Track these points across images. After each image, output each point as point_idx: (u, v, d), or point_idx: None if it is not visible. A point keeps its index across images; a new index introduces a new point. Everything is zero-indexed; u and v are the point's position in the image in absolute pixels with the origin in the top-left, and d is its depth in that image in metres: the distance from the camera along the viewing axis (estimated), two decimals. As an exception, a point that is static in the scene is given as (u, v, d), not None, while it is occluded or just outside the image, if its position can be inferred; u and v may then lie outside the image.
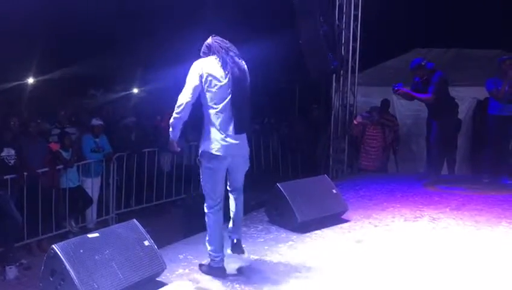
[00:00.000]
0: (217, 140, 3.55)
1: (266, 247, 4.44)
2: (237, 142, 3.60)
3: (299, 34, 7.52)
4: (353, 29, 8.53)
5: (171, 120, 3.60)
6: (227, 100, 3.54)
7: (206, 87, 3.53)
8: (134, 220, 3.80)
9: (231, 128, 3.55)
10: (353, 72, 8.68)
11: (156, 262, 3.59)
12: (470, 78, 8.54)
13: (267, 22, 11.40)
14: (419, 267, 3.93)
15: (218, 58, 3.58)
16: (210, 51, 3.64)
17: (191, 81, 3.55)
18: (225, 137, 3.55)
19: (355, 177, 7.95)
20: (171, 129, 3.62)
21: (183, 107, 3.53)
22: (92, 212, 7.55)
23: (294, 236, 4.68)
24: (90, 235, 3.44)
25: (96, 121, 7.62)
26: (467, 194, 6.46)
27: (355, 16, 8.47)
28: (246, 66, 3.70)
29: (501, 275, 3.76)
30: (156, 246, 3.67)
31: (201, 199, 3.72)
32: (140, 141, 8.27)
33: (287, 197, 4.83)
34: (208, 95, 3.54)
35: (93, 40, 12.20)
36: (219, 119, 3.54)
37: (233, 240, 3.84)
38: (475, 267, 3.93)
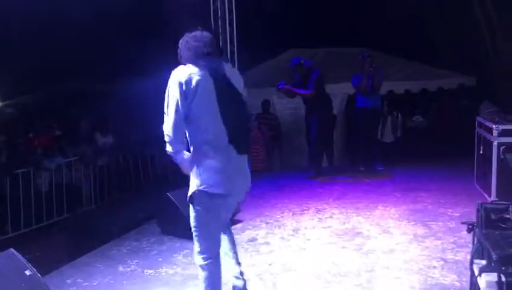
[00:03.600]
0: (218, 172, 2.81)
1: (160, 259, 4.36)
2: (242, 171, 2.90)
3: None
4: (229, 33, 8.69)
5: (168, 149, 2.87)
6: (218, 118, 2.79)
7: (191, 104, 2.76)
8: (12, 249, 3.47)
9: (230, 153, 2.81)
10: (233, 75, 8.84)
11: (41, 291, 3.32)
12: (340, 75, 9.15)
13: (148, 25, 11.19)
14: (309, 255, 4.17)
15: (198, 65, 2.81)
16: (190, 52, 2.88)
17: (173, 98, 2.77)
18: (226, 168, 2.80)
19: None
20: (174, 158, 2.90)
21: (174, 131, 2.79)
22: (-40, 246, 6.76)
23: (189, 244, 4.62)
24: (-41, 273, 3.07)
25: (-43, 145, 6.85)
26: (346, 183, 6.97)
27: (230, 20, 8.65)
28: (236, 69, 3.13)
29: (380, 248, 4.14)
30: (39, 275, 3.39)
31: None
32: (12, 162, 7.60)
33: (178, 205, 4.76)
34: (194, 113, 2.78)
35: None
36: (214, 144, 2.80)
37: (239, 287, 3.12)
38: (358, 246, 4.27)
